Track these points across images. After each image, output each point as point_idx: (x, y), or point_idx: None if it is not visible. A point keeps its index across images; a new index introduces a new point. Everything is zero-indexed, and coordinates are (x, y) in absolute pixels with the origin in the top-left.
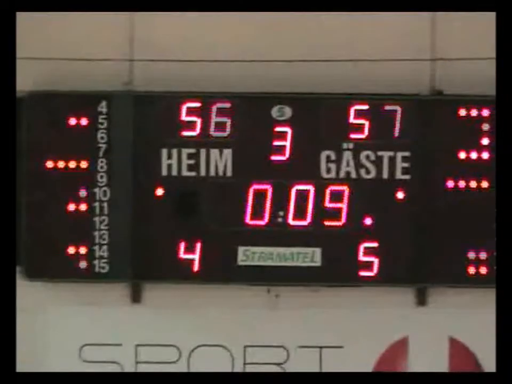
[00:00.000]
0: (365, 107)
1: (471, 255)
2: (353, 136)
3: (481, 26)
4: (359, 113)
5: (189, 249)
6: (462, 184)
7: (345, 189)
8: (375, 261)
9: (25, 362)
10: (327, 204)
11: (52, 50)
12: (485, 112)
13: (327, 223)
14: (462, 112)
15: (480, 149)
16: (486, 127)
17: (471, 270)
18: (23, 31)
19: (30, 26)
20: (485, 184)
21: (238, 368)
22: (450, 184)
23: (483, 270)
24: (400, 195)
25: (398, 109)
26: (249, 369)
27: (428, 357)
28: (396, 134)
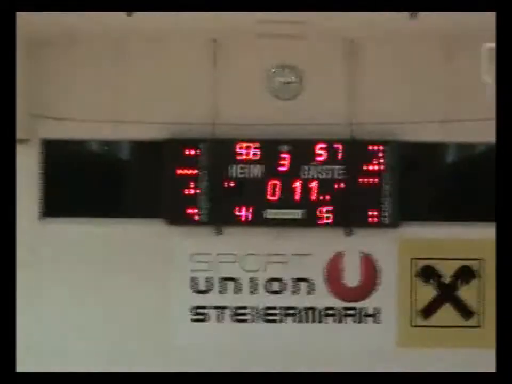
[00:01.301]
0: (324, 145)
1: (371, 212)
2: (317, 158)
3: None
4: (320, 148)
5: (241, 211)
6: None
7: (315, 183)
8: (330, 216)
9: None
10: (305, 188)
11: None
12: (381, 148)
13: (306, 197)
14: (370, 148)
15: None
16: (381, 159)
17: (370, 220)
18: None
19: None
20: (375, 181)
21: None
22: (360, 180)
23: (376, 219)
24: (340, 185)
25: (339, 146)
26: None
27: (351, 261)
28: (339, 158)
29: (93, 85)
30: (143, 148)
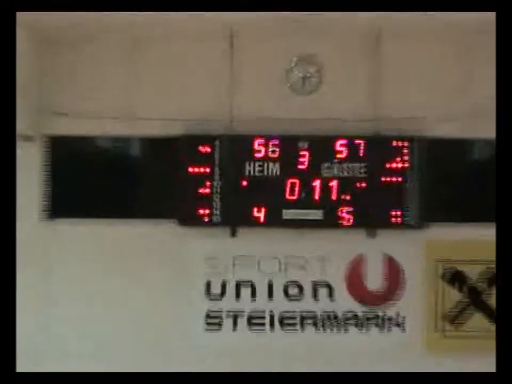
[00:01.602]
0: (345, 142)
1: (394, 212)
2: (338, 156)
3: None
4: (341, 145)
5: (258, 212)
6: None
7: (335, 182)
8: (351, 217)
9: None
10: (325, 188)
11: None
12: (404, 145)
13: (326, 197)
14: (393, 145)
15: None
16: (404, 156)
17: (394, 220)
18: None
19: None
20: (399, 179)
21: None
22: (383, 179)
23: (399, 220)
24: (361, 184)
25: (361, 142)
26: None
27: (374, 264)
28: (361, 155)
29: (106, 80)
30: (155, 145)
